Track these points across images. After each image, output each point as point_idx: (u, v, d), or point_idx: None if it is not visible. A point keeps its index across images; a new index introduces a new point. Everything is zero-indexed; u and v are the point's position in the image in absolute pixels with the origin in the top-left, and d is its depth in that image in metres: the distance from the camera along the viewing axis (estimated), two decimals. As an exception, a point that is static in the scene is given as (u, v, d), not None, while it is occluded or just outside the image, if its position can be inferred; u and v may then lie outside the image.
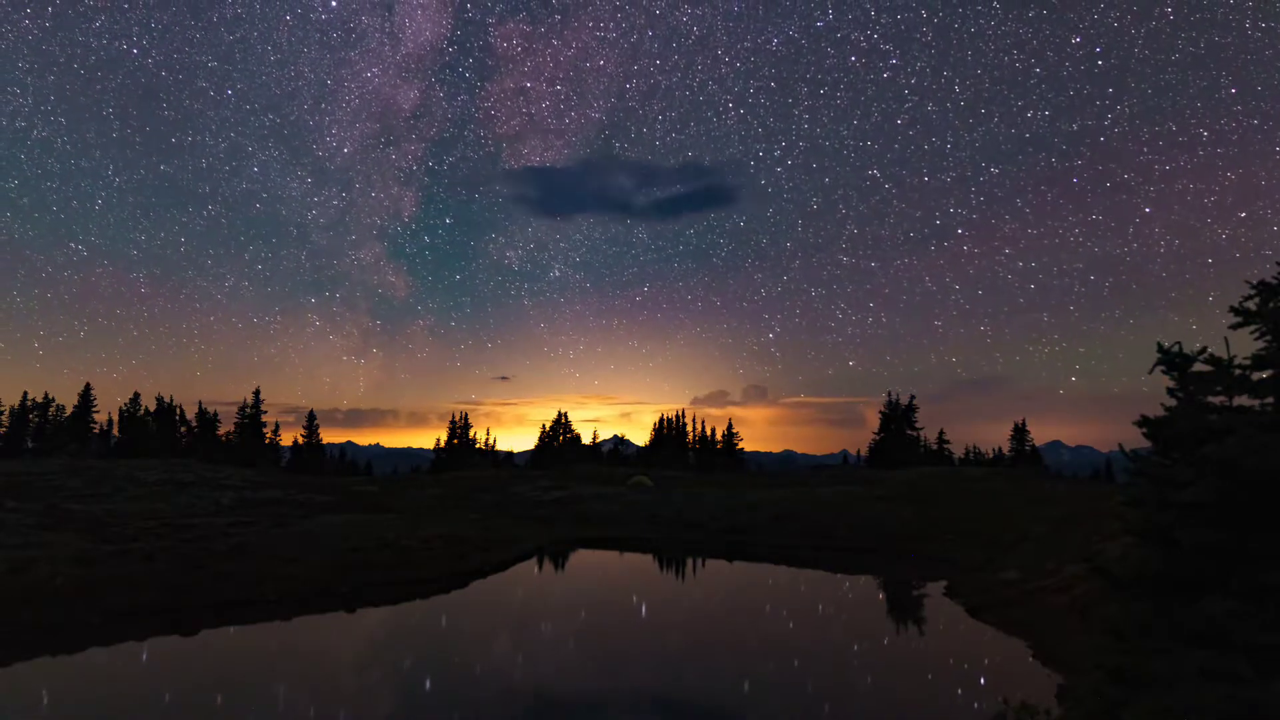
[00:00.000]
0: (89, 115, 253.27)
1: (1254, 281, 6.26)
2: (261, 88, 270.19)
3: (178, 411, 68.75)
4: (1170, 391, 6.50)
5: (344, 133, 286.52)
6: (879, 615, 19.04)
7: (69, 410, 65.06)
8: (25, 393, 65.15)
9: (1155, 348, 6.61)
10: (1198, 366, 6.39)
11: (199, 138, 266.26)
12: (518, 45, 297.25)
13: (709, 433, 76.70)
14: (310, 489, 37.77)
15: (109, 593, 15.88)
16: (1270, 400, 5.99)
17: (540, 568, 24.58)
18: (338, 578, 19.24)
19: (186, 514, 26.77)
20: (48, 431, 63.71)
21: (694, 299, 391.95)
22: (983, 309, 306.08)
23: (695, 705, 11.33)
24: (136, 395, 68.12)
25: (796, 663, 13.70)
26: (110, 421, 68.29)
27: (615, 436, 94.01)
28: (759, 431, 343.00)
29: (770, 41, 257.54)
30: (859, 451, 75.71)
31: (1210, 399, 6.25)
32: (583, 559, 27.15)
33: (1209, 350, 6.28)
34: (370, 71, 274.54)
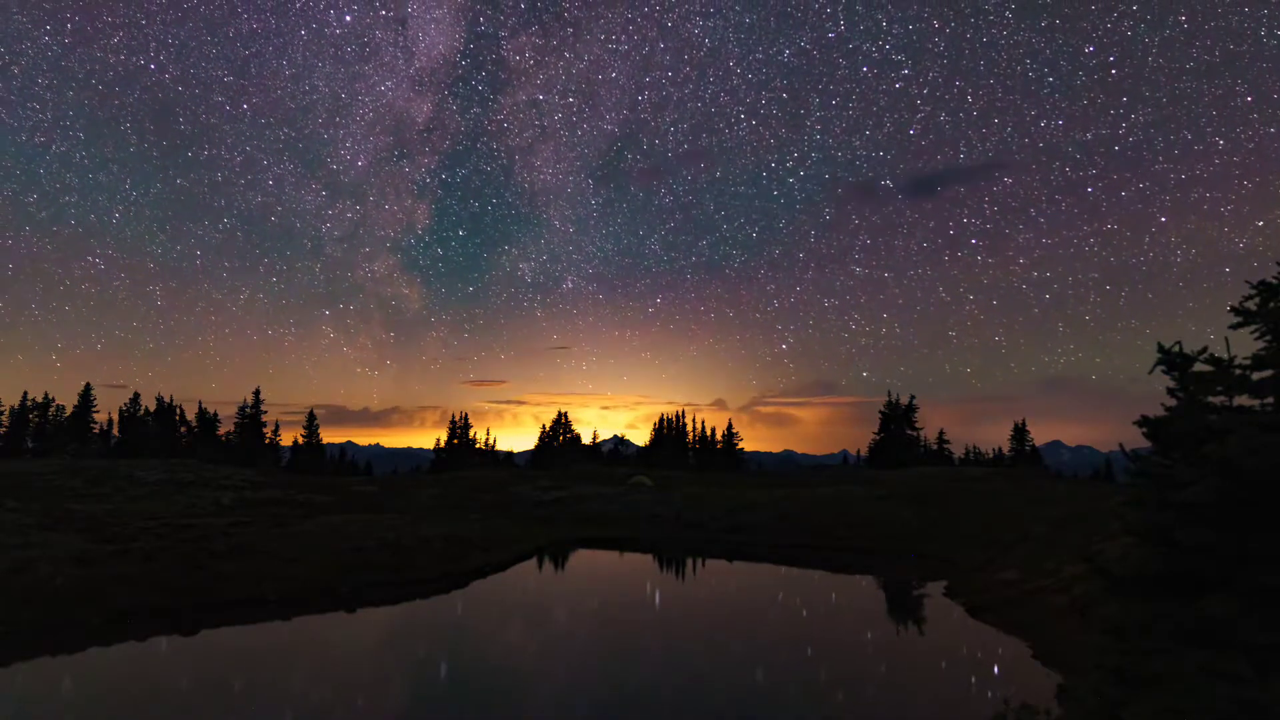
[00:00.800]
0: (107, 130, 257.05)
1: (1254, 281, 6.27)
2: (276, 102, 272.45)
3: (178, 412, 68.78)
4: (1170, 391, 6.49)
5: (358, 146, 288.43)
6: (879, 615, 19.04)
7: (69, 410, 65.07)
8: (25, 393, 65.17)
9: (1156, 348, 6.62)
10: (1198, 366, 6.39)
11: (215, 151, 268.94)
12: (530, 58, 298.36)
13: (709, 433, 76.74)
14: (310, 489, 37.78)
15: (109, 593, 15.88)
16: (1270, 400, 5.99)
17: (540, 568, 24.58)
18: (338, 578, 19.25)
19: (186, 514, 26.78)
20: (48, 431, 63.71)
21: (707, 310, 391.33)
22: (997, 319, 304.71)
23: (696, 704, 11.32)
24: (136, 395, 68.19)
25: (796, 664, 13.70)
26: (110, 421, 68.32)
27: (615, 437, 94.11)
28: (759, 432, 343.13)
29: (782, 53, 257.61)
30: (859, 451, 75.79)
31: (1210, 399, 6.25)
32: (583, 559, 27.15)
33: (1209, 350, 6.29)
34: (384, 85, 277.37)
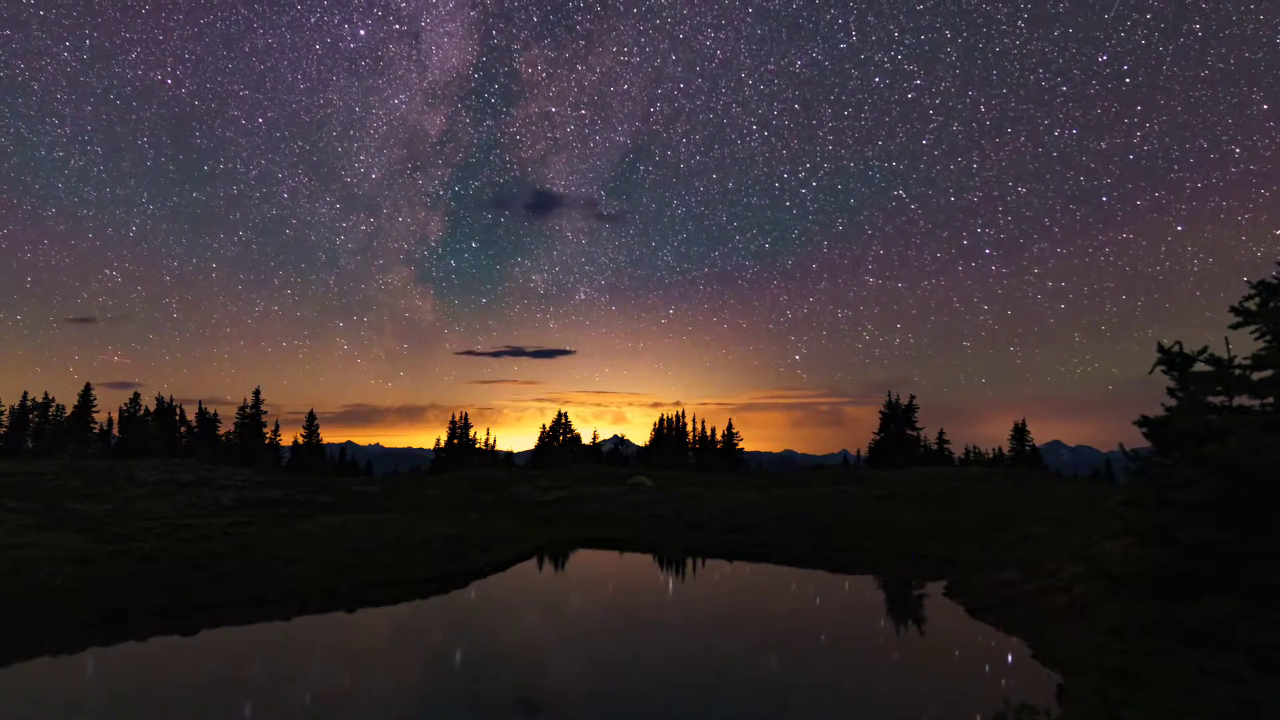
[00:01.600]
0: (124, 144, 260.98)
1: (1254, 281, 6.27)
2: (291, 115, 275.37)
3: (178, 412, 68.75)
4: (1170, 391, 6.49)
5: (372, 159, 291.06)
6: (879, 615, 19.03)
7: (69, 410, 65.03)
8: (25, 393, 65.15)
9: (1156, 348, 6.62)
10: (1198, 366, 6.39)
11: (230, 165, 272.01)
12: (542, 71, 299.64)
13: (709, 433, 76.70)
14: (310, 489, 37.77)
15: (109, 593, 15.87)
16: (1270, 400, 5.99)
17: (540, 568, 24.57)
18: (338, 578, 19.25)
19: (186, 514, 26.77)
20: (48, 431, 63.69)
21: (719, 321, 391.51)
22: (1012, 329, 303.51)
23: (696, 704, 11.32)
24: (136, 395, 68.13)
25: (795, 663, 13.70)
26: (110, 421, 68.25)
27: (615, 436, 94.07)
28: (759, 432, 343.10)
29: (794, 64, 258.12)
30: (859, 451, 75.75)
31: (1210, 399, 6.25)
32: (583, 559, 27.15)
33: (1209, 350, 6.29)
34: (398, 98, 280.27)
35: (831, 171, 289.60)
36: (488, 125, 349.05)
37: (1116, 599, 6.31)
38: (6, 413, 63.95)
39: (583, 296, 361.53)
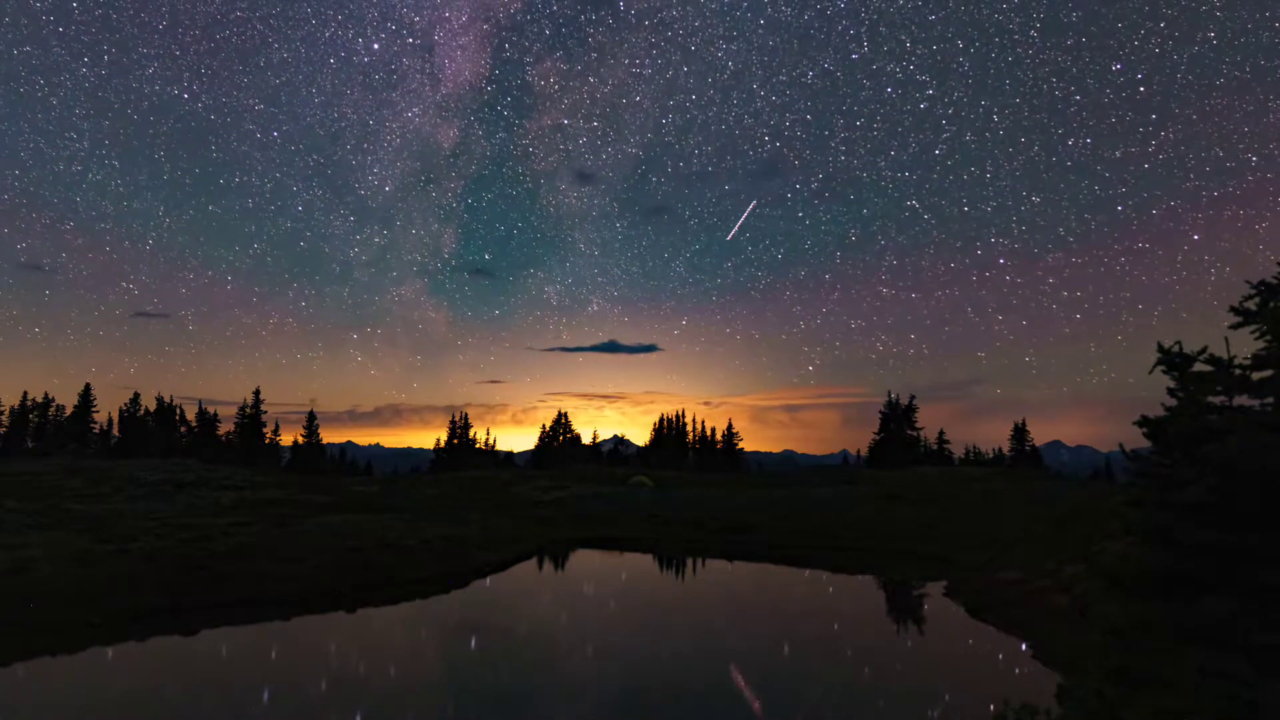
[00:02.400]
0: (141, 158, 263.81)
1: (1254, 281, 6.26)
2: (306, 129, 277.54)
3: (178, 412, 68.78)
4: (1170, 391, 6.49)
5: (385, 171, 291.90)
6: (879, 615, 19.04)
7: (69, 410, 65.05)
8: (25, 393, 65.18)
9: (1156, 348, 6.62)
10: (1198, 366, 6.38)
11: (246, 178, 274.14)
12: (555, 83, 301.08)
13: (709, 433, 76.74)
14: (310, 489, 37.77)
15: (109, 593, 15.87)
16: (1270, 400, 5.98)
17: (541, 568, 24.57)
18: (338, 578, 19.24)
19: (186, 514, 26.77)
20: (48, 431, 63.71)
21: (732, 332, 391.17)
22: (1027, 340, 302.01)
23: (696, 703, 11.32)
24: (136, 395, 68.19)
25: (795, 663, 13.71)
26: (110, 421, 68.28)
27: (615, 436, 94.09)
28: (759, 432, 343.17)
29: (806, 74, 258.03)
30: (859, 451, 75.78)
31: (1210, 399, 6.24)
32: (583, 559, 27.15)
33: (1209, 350, 6.28)
34: (411, 111, 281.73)
35: (844, 182, 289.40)
36: (500, 138, 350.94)
37: (1116, 599, 6.31)
38: (6, 413, 64.00)
39: (595, 308, 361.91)
